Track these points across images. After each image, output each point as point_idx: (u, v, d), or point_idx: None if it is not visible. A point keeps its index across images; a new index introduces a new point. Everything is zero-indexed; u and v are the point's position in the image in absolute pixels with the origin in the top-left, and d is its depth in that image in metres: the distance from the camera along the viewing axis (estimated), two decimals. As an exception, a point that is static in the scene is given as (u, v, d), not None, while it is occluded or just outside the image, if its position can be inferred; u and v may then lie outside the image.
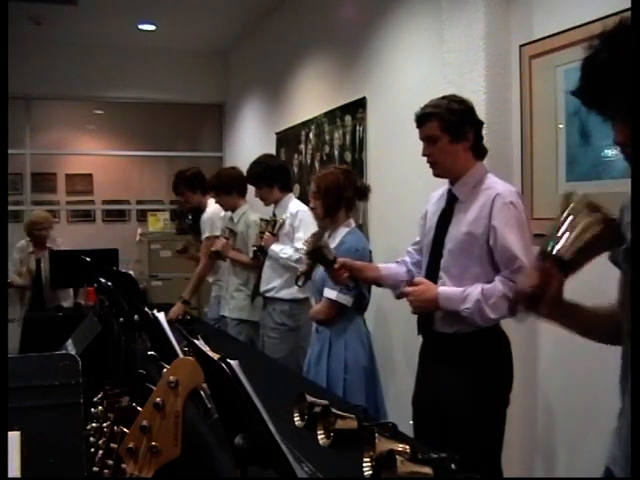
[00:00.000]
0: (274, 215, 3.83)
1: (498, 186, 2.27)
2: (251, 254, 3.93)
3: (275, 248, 3.65)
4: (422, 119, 2.33)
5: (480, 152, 2.35)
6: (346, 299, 2.92)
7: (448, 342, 2.30)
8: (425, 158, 2.37)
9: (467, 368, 2.25)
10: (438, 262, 2.32)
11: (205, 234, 4.47)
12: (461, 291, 2.21)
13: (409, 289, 2.31)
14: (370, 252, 3.07)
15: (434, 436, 2.26)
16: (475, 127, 2.34)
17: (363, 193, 3.15)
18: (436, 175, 2.40)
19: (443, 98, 2.36)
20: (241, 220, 4.16)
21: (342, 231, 3.03)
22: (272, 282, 3.77)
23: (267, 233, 3.69)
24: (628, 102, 1.19)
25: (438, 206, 2.42)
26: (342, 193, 3.01)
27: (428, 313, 2.32)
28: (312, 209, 3.13)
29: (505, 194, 2.23)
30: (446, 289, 2.25)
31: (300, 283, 3.10)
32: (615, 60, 1.21)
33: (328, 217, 3.03)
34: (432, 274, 2.34)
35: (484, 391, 2.24)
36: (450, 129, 2.28)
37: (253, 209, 4.29)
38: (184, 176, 4.64)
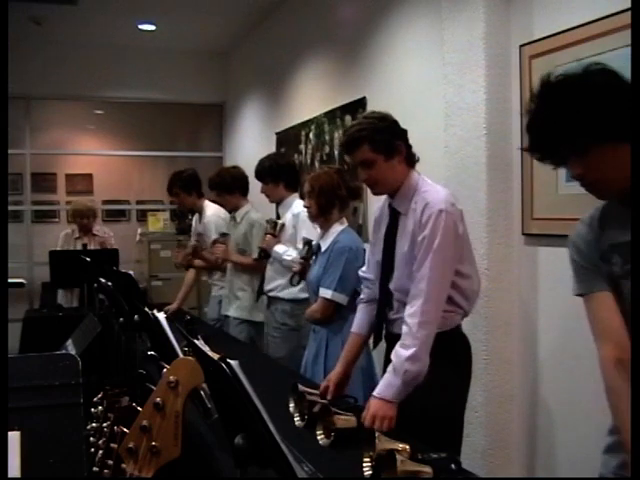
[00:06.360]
0: (277, 215, 3.84)
1: (428, 195, 2.21)
2: (256, 255, 3.91)
3: (278, 250, 3.64)
4: (351, 146, 2.29)
5: (412, 160, 2.33)
6: (342, 298, 2.92)
7: None
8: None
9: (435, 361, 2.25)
10: (388, 280, 2.33)
11: (212, 236, 4.38)
12: (389, 372, 2.12)
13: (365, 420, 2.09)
14: (364, 250, 3.07)
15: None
16: (403, 138, 2.31)
17: (356, 192, 3.20)
18: (376, 194, 2.39)
19: (365, 118, 2.34)
20: (244, 220, 4.14)
21: (335, 230, 3.05)
22: (275, 281, 3.77)
23: (268, 235, 3.70)
24: (575, 139, 1.41)
25: (384, 218, 2.40)
26: (336, 192, 3.03)
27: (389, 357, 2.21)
28: (306, 208, 3.15)
29: (433, 203, 2.16)
30: (379, 386, 2.13)
31: (294, 282, 3.29)
32: (553, 113, 1.43)
33: (322, 216, 3.06)
34: (383, 292, 2.35)
35: (448, 380, 2.25)
36: (382, 149, 2.24)
37: (255, 208, 4.28)
38: (180, 177, 4.55)
